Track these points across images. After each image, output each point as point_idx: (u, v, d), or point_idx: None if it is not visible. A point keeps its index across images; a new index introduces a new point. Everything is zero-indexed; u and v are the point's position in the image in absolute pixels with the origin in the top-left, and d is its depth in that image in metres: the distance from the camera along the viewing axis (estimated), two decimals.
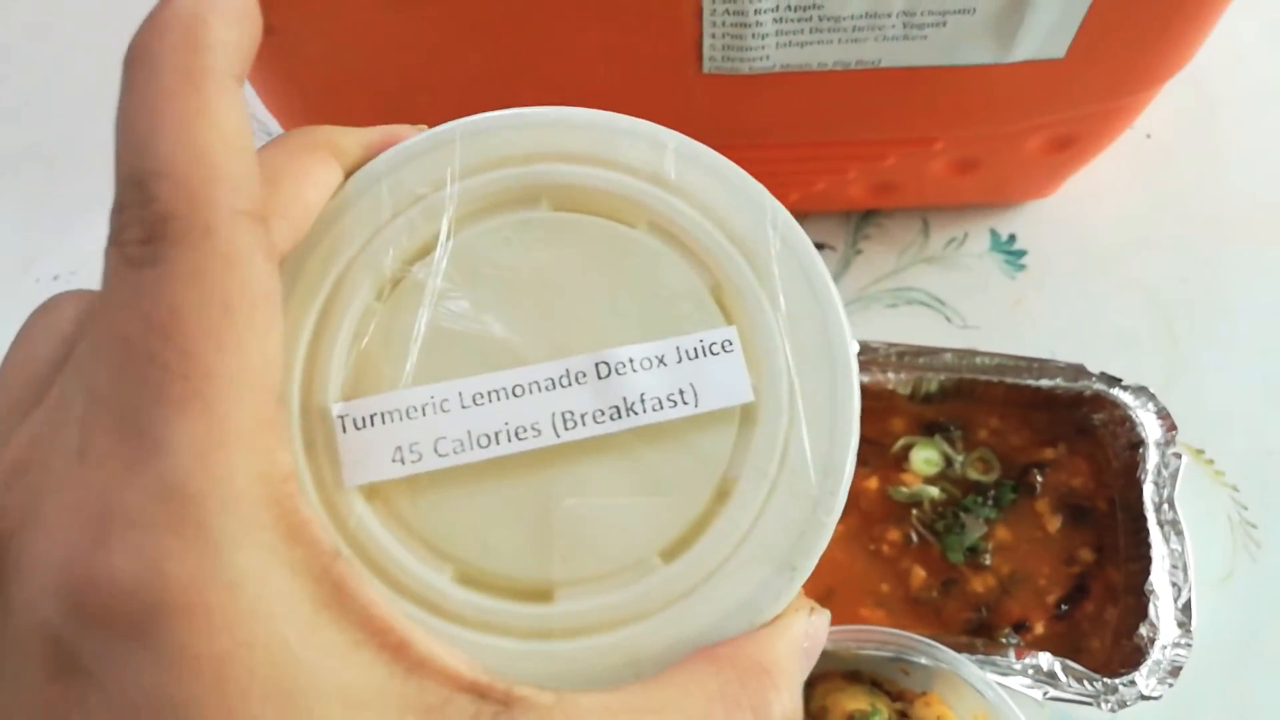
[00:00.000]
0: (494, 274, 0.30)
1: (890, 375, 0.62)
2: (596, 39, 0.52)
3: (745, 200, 0.31)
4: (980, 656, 0.54)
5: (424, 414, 0.28)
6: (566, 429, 0.28)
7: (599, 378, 0.29)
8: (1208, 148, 0.73)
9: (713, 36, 0.50)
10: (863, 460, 0.62)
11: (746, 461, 0.29)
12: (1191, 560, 0.56)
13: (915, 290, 0.70)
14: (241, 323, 0.22)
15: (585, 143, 0.32)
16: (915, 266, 0.71)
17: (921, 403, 0.63)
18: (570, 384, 0.29)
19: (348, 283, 0.30)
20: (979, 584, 0.58)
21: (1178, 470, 0.58)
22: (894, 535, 0.60)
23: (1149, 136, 0.74)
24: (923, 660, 0.54)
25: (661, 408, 0.29)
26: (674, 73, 0.53)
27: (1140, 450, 0.59)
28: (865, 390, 0.63)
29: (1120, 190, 0.72)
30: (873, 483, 0.61)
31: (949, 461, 0.62)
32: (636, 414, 0.29)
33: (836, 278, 0.70)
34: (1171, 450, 0.58)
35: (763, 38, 0.50)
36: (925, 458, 0.61)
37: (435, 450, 0.28)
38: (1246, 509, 0.62)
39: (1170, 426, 0.59)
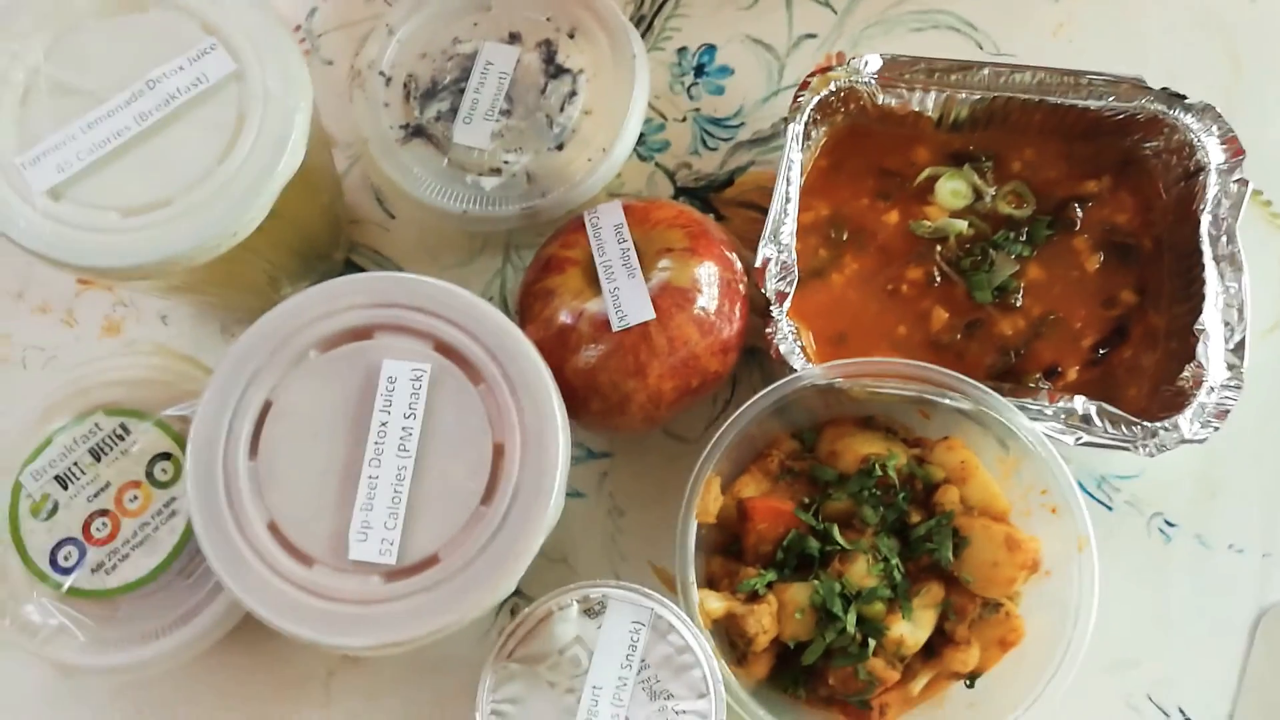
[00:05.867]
0: None
1: (917, 95, 0.54)
2: None
3: None
4: (1009, 400, 0.49)
5: None
6: None
7: None
8: None
9: None
10: (882, 193, 0.55)
11: None
12: (1250, 299, 0.50)
13: (944, 13, 0.61)
14: None
15: None
16: None
17: (950, 130, 0.55)
18: None
19: None
20: (1008, 326, 0.52)
21: (1242, 199, 0.51)
22: (914, 274, 0.53)
23: None
24: (948, 400, 0.48)
25: None
26: None
27: (1200, 178, 0.52)
28: (889, 114, 0.55)
29: None
30: (892, 216, 0.54)
31: (978, 195, 0.54)
32: None
33: None
34: (1235, 178, 0.51)
35: None
36: (953, 189, 0.54)
37: None
38: None
39: (1236, 151, 0.52)
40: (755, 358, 0.55)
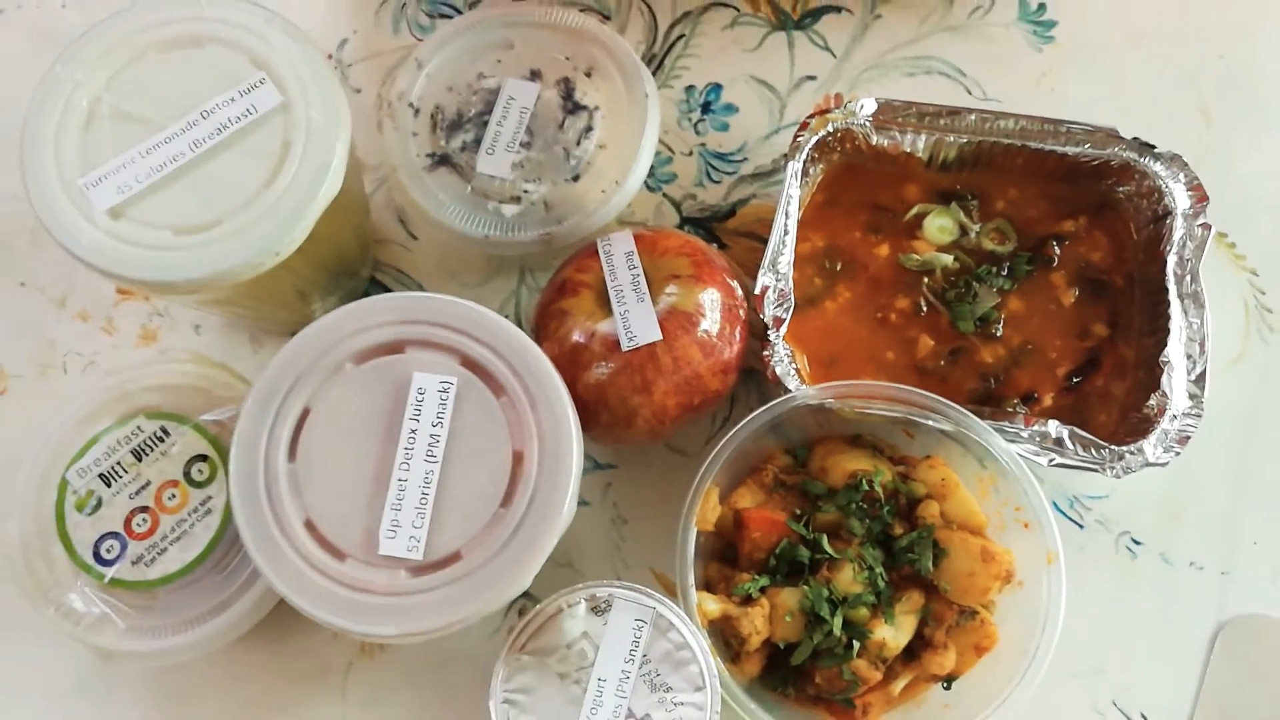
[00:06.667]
0: None
1: (909, 137, 0.58)
2: None
3: None
4: (988, 423, 0.52)
5: None
6: None
7: None
8: None
9: None
10: (874, 227, 0.59)
11: None
12: (1210, 333, 0.54)
13: (935, 60, 0.65)
14: None
15: None
16: (937, 35, 0.66)
17: (938, 170, 0.59)
18: None
19: None
20: (988, 354, 0.56)
21: (1205, 242, 0.55)
22: (902, 303, 0.57)
23: None
24: (931, 421, 0.52)
25: None
26: None
27: (1167, 221, 0.56)
28: (882, 154, 0.59)
29: None
30: (883, 250, 0.58)
31: (964, 231, 0.58)
32: None
33: (853, 42, 0.65)
34: (1199, 222, 0.55)
35: None
36: (940, 225, 0.58)
37: None
38: (1264, 294, 0.60)
39: (1201, 197, 0.56)
40: (753, 378, 0.59)
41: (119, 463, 0.51)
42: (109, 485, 0.50)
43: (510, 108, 0.57)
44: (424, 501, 0.43)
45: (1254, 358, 0.59)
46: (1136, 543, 0.56)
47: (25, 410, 0.59)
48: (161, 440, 0.51)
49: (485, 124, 0.56)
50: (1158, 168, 0.56)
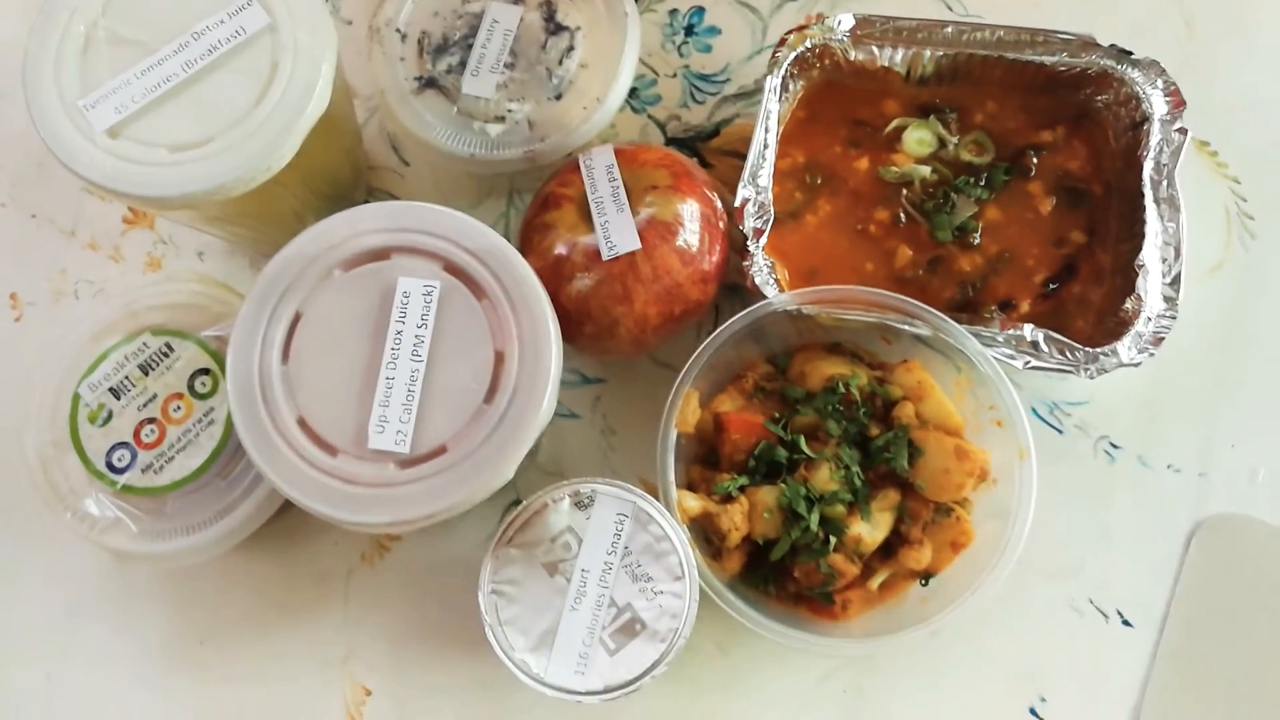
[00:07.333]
0: None
1: (887, 51, 0.59)
2: None
3: None
4: (965, 328, 0.53)
5: None
6: None
7: None
8: None
9: None
10: (854, 141, 0.60)
11: None
12: (1185, 239, 0.54)
13: None
14: None
15: None
16: None
17: (917, 85, 0.60)
18: None
19: None
20: (966, 263, 0.57)
21: (1181, 147, 0.55)
22: (882, 215, 0.58)
23: None
24: (907, 326, 0.53)
25: None
26: None
27: (1144, 128, 0.56)
28: (860, 69, 0.60)
29: None
30: (863, 163, 0.59)
31: (942, 143, 0.59)
32: None
33: None
34: (1176, 127, 0.56)
35: None
36: (918, 138, 0.59)
37: None
38: (1245, 201, 0.60)
39: (1178, 103, 0.56)
40: (737, 294, 0.60)
41: (127, 377, 0.53)
42: (118, 398, 0.53)
43: (494, 30, 0.58)
44: (410, 398, 0.45)
45: (1235, 264, 0.60)
46: (1115, 446, 0.58)
47: (41, 335, 0.62)
48: (166, 355, 0.54)
49: (470, 47, 0.58)
50: (1135, 74, 0.57)
